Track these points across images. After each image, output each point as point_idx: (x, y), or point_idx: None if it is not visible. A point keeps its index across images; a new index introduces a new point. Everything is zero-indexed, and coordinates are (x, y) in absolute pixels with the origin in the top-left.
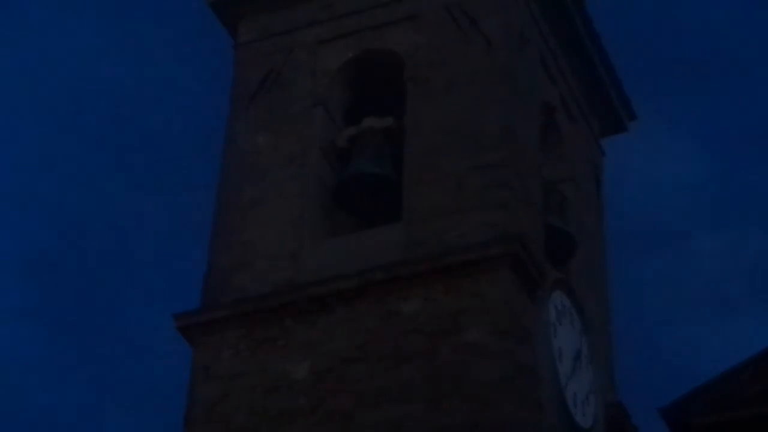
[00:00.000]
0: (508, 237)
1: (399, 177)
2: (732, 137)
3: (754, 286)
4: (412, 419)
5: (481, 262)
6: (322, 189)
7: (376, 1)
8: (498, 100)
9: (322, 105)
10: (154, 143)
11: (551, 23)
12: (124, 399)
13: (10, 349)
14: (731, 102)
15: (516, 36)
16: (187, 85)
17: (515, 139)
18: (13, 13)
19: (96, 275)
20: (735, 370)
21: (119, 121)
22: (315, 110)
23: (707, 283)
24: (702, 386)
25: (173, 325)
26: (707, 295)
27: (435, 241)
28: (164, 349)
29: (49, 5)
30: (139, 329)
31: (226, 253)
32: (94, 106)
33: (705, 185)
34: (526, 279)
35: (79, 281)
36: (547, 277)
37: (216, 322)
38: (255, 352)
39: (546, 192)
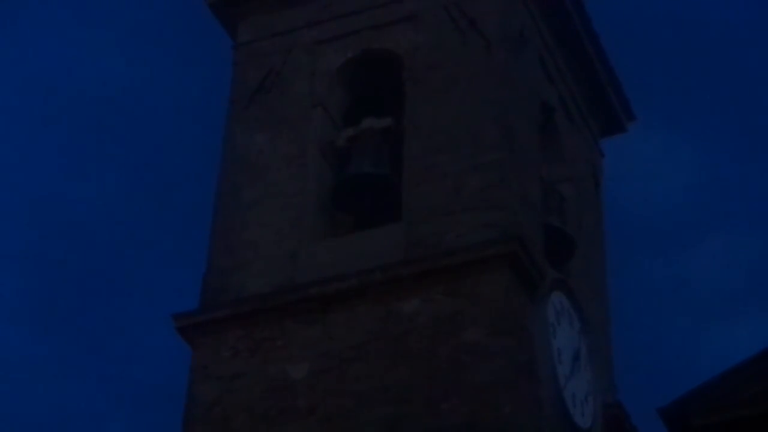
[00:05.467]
0: (507, 237)
1: (398, 177)
2: (731, 137)
3: (754, 286)
4: (412, 419)
5: (480, 263)
6: (322, 189)
7: (375, 1)
8: (497, 101)
9: (322, 105)
10: (154, 143)
11: (550, 23)
12: (124, 399)
13: (11, 350)
14: (730, 102)
15: (515, 36)
16: (186, 85)
17: (514, 139)
18: (14, 14)
19: (96, 275)
20: (735, 370)
21: (119, 120)
22: (314, 110)
23: (707, 283)
24: (702, 386)
25: (173, 325)
26: (707, 295)
27: (434, 241)
28: (164, 349)
29: (49, 6)
30: (139, 329)
31: (226, 254)
32: (94, 106)
33: (704, 185)
34: (525, 279)
35: (79, 281)
36: (547, 277)
37: (215, 323)
38: (254, 353)
39: (545, 192)
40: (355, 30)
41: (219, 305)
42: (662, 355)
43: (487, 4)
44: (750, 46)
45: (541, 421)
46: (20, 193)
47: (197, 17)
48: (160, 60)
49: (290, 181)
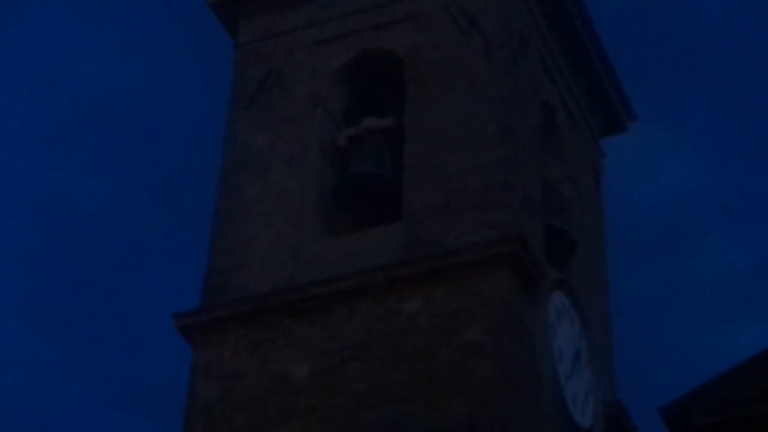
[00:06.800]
0: (507, 237)
1: (399, 177)
2: (731, 138)
3: (754, 286)
4: (412, 419)
5: (481, 262)
6: (322, 189)
7: (376, 1)
8: (498, 100)
9: (322, 105)
10: (154, 143)
11: (551, 23)
12: (124, 399)
13: (10, 349)
14: (731, 102)
15: (516, 36)
16: (187, 85)
17: (515, 139)
18: (14, 14)
19: (97, 275)
20: (735, 370)
21: (119, 120)
22: (315, 110)
23: (707, 283)
24: (702, 386)
25: (173, 324)
26: (707, 295)
27: (435, 241)
28: (165, 348)
29: (50, 6)
30: (139, 329)
31: (226, 253)
32: (95, 106)
33: (704, 185)
34: (525, 279)
35: (79, 281)
36: (547, 277)
37: (216, 322)
38: (255, 352)
39: (546, 192)
40: (356, 30)
41: (220, 305)
42: (663, 355)
43: (488, 3)
44: (750, 47)
45: (541, 420)
46: (21, 193)
47: (198, 17)
48: (162, 60)
49: (291, 181)
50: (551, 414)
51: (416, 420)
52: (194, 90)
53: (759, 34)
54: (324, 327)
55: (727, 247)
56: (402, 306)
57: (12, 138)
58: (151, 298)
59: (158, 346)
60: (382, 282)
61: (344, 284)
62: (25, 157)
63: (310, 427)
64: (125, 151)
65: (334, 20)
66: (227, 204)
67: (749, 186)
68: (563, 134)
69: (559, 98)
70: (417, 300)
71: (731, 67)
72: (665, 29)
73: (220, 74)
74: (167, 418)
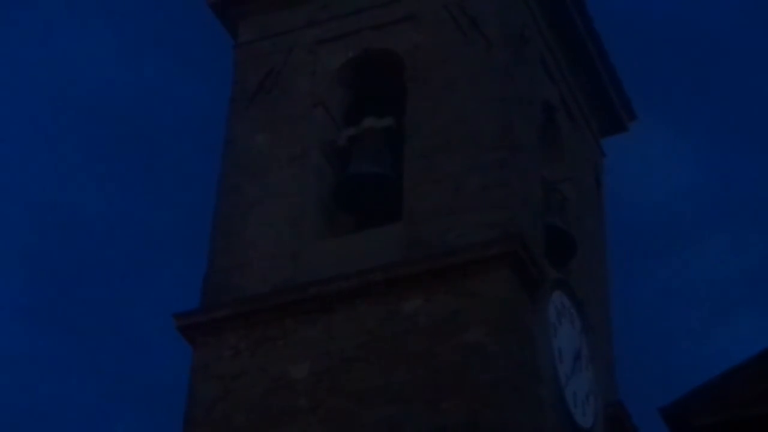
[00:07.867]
0: (507, 237)
1: (399, 177)
2: (732, 136)
3: (754, 286)
4: (412, 419)
5: (481, 262)
6: (323, 189)
7: (375, 1)
8: (498, 100)
9: (322, 105)
10: (154, 143)
11: (551, 23)
12: (124, 399)
13: (11, 349)
14: (731, 102)
15: (516, 36)
16: (187, 84)
17: (515, 139)
18: (14, 14)
19: (96, 275)
20: (735, 370)
21: (119, 121)
22: (315, 110)
23: (707, 283)
24: (702, 386)
25: (173, 325)
26: (707, 295)
27: (435, 241)
28: (164, 349)
29: (50, 6)
30: (139, 329)
31: (226, 253)
32: (95, 106)
33: (705, 185)
34: (526, 279)
35: (79, 281)
36: (547, 277)
37: (216, 322)
38: (255, 352)
39: (546, 192)
40: (356, 30)
41: (220, 305)
42: (663, 355)
43: (488, 3)
44: (750, 46)
45: (542, 420)
46: (21, 193)
47: (198, 17)
48: (161, 60)
49: (291, 181)
50: (551, 414)
51: (416, 420)
52: (194, 90)
53: (760, 34)
54: (324, 327)
55: (727, 247)
56: (402, 306)
57: (12, 138)
58: (151, 298)
59: (158, 346)
60: (382, 282)
61: (344, 284)
62: (25, 158)
63: (310, 427)
64: (125, 151)
65: (334, 20)
66: (228, 203)
67: (749, 186)
68: (563, 134)
69: (559, 98)
70: (417, 300)
71: (732, 66)
72: (665, 29)
73: (220, 74)
74: (168, 418)
